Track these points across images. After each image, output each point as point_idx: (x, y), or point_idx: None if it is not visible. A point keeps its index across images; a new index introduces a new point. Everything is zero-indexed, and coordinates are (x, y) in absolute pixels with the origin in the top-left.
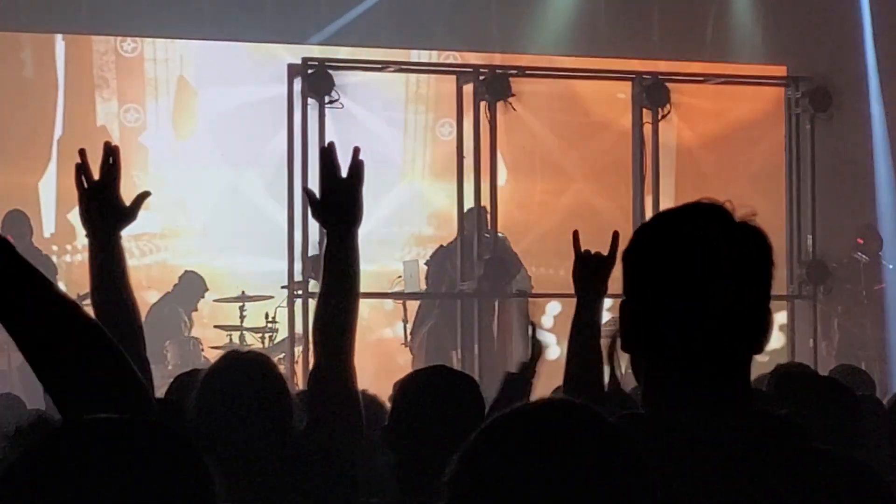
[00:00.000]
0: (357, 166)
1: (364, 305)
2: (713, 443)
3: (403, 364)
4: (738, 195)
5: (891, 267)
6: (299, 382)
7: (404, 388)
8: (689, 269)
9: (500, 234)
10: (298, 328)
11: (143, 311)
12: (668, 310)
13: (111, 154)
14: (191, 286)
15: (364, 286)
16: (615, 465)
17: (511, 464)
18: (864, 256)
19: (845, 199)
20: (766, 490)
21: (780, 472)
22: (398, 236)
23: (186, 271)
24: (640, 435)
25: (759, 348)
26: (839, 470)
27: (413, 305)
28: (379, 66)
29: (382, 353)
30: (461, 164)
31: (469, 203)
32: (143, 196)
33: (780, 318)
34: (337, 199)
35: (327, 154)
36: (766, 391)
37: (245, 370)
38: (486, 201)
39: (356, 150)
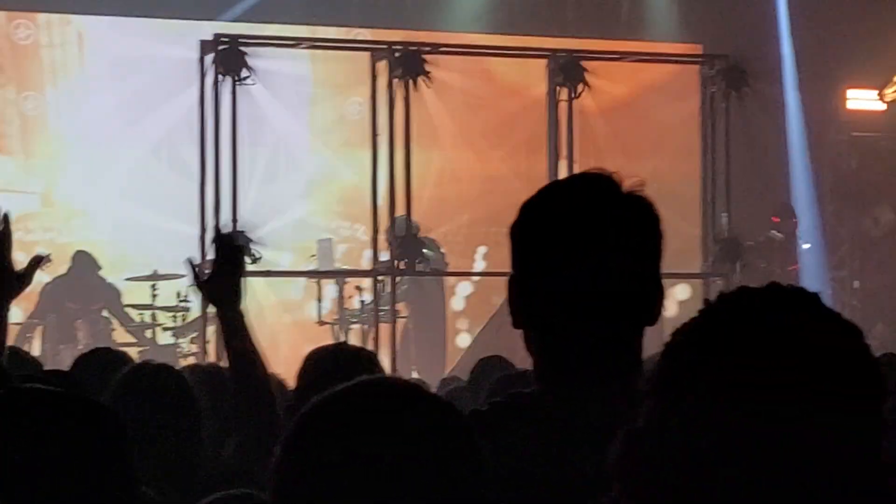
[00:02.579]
0: (234, 252)
1: (285, 284)
2: (602, 420)
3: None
4: (654, 173)
5: (806, 246)
6: (211, 358)
7: (305, 367)
8: (575, 242)
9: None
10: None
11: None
12: (556, 284)
13: (3, 221)
14: (82, 265)
15: (279, 265)
16: (438, 444)
17: (330, 448)
18: (779, 235)
19: (761, 178)
20: None
21: None
22: (310, 214)
23: (77, 251)
24: (527, 413)
25: (651, 320)
26: None
27: (326, 283)
28: (292, 42)
29: (300, 333)
30: (375, 142)
31: (382, 181)
32: (37, 260)
33: (679, 292)
34: (217, 283)
35: (220, 239)
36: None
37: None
38: (399, 179)
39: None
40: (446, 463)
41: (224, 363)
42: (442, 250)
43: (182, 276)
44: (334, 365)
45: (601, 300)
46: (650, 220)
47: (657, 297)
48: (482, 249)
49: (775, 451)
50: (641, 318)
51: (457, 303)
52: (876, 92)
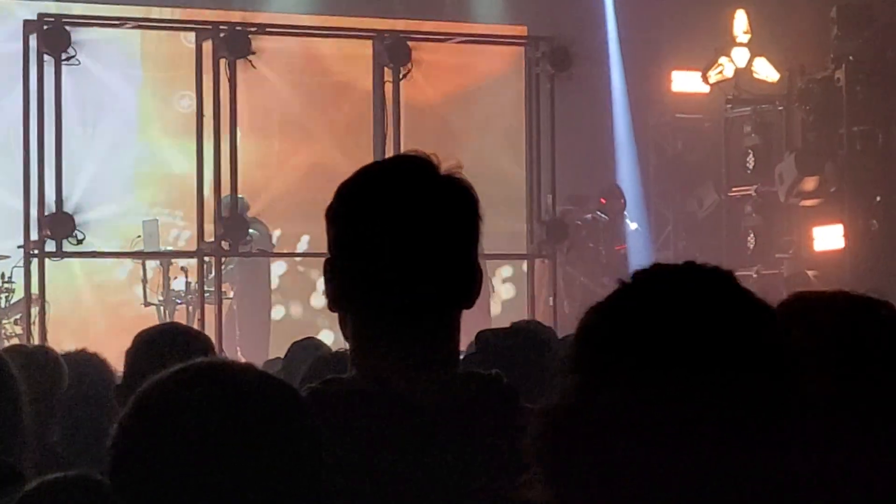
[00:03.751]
0: None
1: (111, 266)
2: (418, 406)
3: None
4: (481, 154)
5: (633, 227)
6: (35, 341)
7: (136, 347)
8: (390, 225)
9: (239, 196)
10: (35, 289)
11: None
12: (371, 267)
13: None
14: None
15: (105, 244)
16: (276, 426)
17: (171, 429)
18: (604, 216)
19: (586, 159)
20: (473, 451)
21: (487, 432)
22: (136, 196)
23: None
24: (343, 400)
25: (468, 303)
26: None
27: (151, 265)
28: (117, 22)
29: (124, 315)
30: (201, 124)
31: (208, 163)
32: None
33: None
34: None
35: None
36: (489, 348)
37: None
38: (225, 161)
39: None
40: (287, 444)
41: (52, 345)
42: (275, 232)
43: (6, 256)
44: (166, 345)
45: (416, 283)
46: (466, 202)
47: (474, 279)
48: (306, 233)
49: (695, 424)
50: (458, 301)
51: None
52: (700, 74)
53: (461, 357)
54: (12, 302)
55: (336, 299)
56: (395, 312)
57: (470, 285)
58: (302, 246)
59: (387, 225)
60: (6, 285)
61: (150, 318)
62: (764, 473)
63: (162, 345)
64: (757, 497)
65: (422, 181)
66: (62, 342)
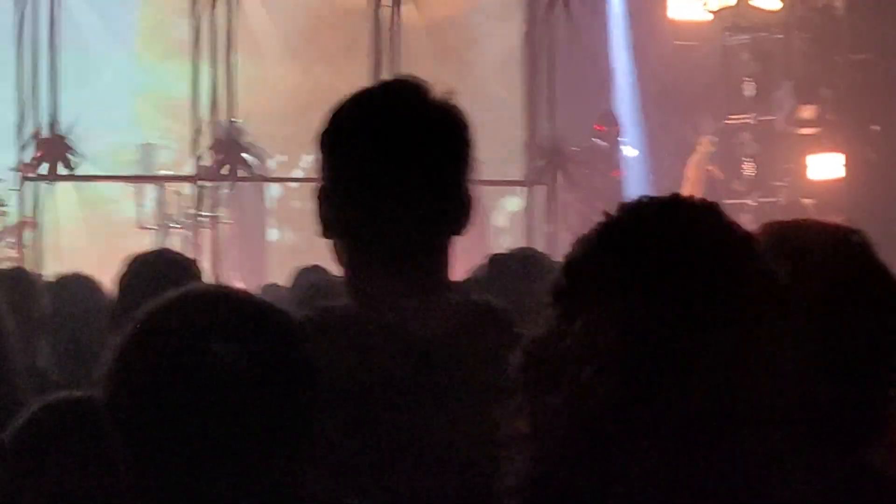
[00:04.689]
0: None
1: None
2: (410, 333)
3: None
4: (476, 82)
5: (630, 153)
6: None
7: (128, 271)
8: (381, 151)
9: (236, 121)
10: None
11: None
12: (362, 194)
13: None
14: None
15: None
16: (271, 354)
17: (163, 353)
18: (602, 142)
19: (584, 86)
20: (465, 377)
21: (479, 358)
22: (133, 120)
23: None
24: (336, 327)
25: (460, 230)
26: None
27: (147, 187)
28: None
29: (119, 237)
30: (197, 48)
31: (204, 87)
32: None
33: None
34: None
35: None
36: (480, 275)
37: None
38: (221, 85)
39: None
40: (283, 371)
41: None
42: (280, 158)
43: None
44: (157, 270)
45: (407, 210)
46: (458, 128)
47: (465, 206)
48: (306, 157)
49: (679, 355)
50: (450, 228)
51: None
52: (700, 1)
53: (470, 278)
54: (5, 227)
55: (328, 226)
56: (386, 239)
57: (462, 212)
58: (299, 172)
59: (378, 151)
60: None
61: (147, 242)
62: (742, 401)
63: (153, 269)
64: (732, 425)
65: (413, 107)
66: (57, 266)
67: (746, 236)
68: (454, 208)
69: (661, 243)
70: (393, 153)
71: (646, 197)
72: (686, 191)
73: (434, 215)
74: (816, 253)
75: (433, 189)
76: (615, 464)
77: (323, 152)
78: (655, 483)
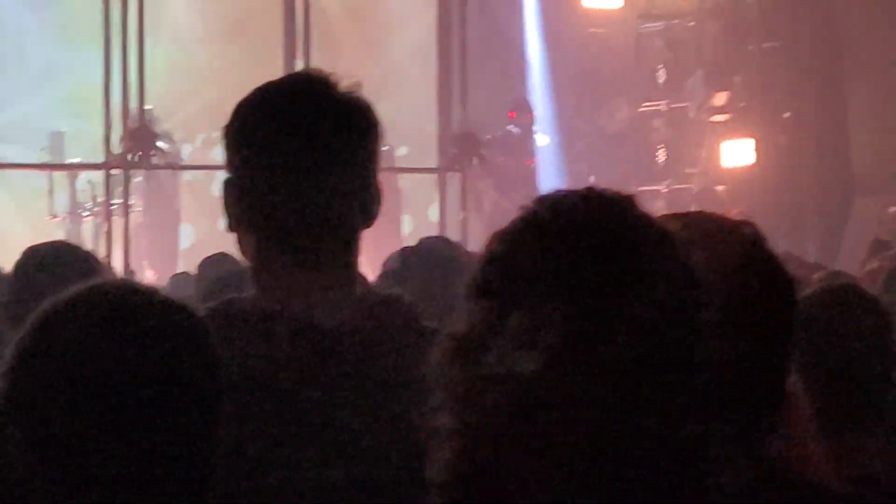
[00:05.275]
0: None
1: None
2: (316, 326)
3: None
4: (392, 70)
5: (544, 141)
6: None
7: (23, 264)
8: (287, 144)
9: (147, 108)
10: None
11: None
12: (269, 187)
13: None
14: None
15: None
16: (176, 351)
17: (64, 351)
18: (516, 129)
19: (498, 72)
20: (371, 371)
21: (386, 352)
22: (40, 109)
23: None
24: (247, 325)
25: (368, 222)
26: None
27: (59, 176)
28: None
29: (31, 227)
30: (108, 35)
31: (116, 74)
32: None
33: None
34: None
35: None
36: (397, 268)
37: None
38: (132, 71)
39: None
40: (186, 368)
41: None
42: (195, 143)
43: None
44: (54, 264)
45: (314, 203)
46: (364, 120)
47: (373, 198)
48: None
49: (599, 351)
50: (357, 221)
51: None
52: None
53: (385, 271)
54: None
55: (234, 220)
56: (293, 233)
57: (369, 205)
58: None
59: (284, 144)
60: None
61: (58, 231)
62: (659, 399)
63: (48, 262)
64: (651, 421)
65: (319, 100)
66: None
67: (663, 228)
68: (361, 201)
69: (583, 236)
70: (298, 146)
71: (561, 189)
72: None
73: (341, 208)
74: (708, 246)
75: (340, 182)
76: (552, 456)
77: (229, 146)
78: (588, 474)
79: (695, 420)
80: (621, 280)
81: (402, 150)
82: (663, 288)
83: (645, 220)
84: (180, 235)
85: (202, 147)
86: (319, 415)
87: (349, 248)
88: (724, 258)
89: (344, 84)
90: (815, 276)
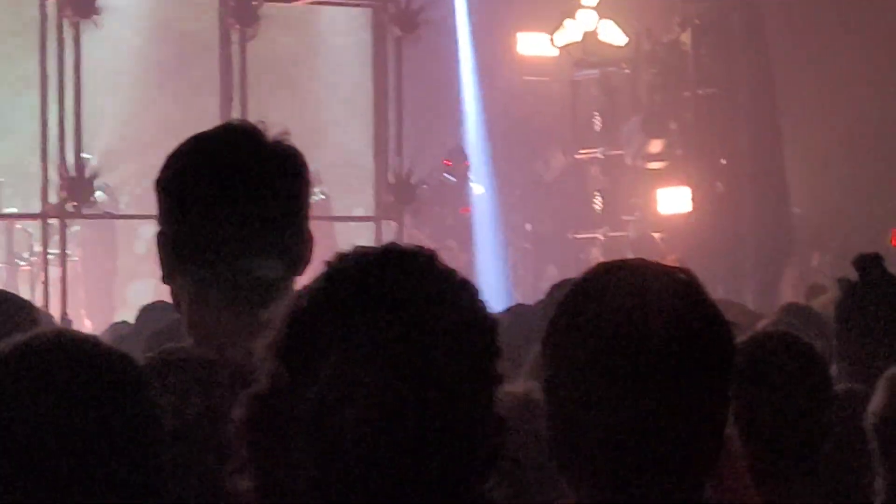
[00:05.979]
0: None
1: None
2: (252, 373)
3: None
4: (328, 118)
5: (479, 190)
6: None
7: None
8: (221, 196)
9: (85, 156)
10: None
11: None
12: (203, 239)
13: None
14: None
15: None
16: (116, 400)
17: (6, 399)
18: (451, 178)
19: (434, 121)
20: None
21: None
22: None
23: None
24: (186, 373)
25: (300, 269)
26: None
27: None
28: None
29: None
30: (45, 83)
31: (53, 120)
32: None
33: (367, 239)
34: None
35: None
36: None
37: None
38: (69, 119)
39: None
40: (125, 416)
41: None
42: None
43: None
44: None
45: (245, 252)
46: (294, 169)
47: (304, 246)
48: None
49: (407, 406)
50: (289, 269)
51: (140, 246)
52: (548, 36)
53: None
54: None
55: (168, 271)
56: (225, 282)
57: (301, 252)
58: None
59: (213, 195)
60: None
61: None
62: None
63: None
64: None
65: (248, 149)
66: None
67: (463, 282)
68: (293, 249)
69: (385, 294)
70: (229, 196)
71: (361, 247)
72: None
73: (273, 256)
74: (646, 293)
75: (271, 230)
76: None
77: (161, 196)
78: None
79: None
80: (416, 332)
81: (337, 198)
82: (458, 337)
83: (445, 275)
84: (135, 289)
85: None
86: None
87: (282, 294)
88: (661, 304)
89: (273, 133)
90: (760, 323)
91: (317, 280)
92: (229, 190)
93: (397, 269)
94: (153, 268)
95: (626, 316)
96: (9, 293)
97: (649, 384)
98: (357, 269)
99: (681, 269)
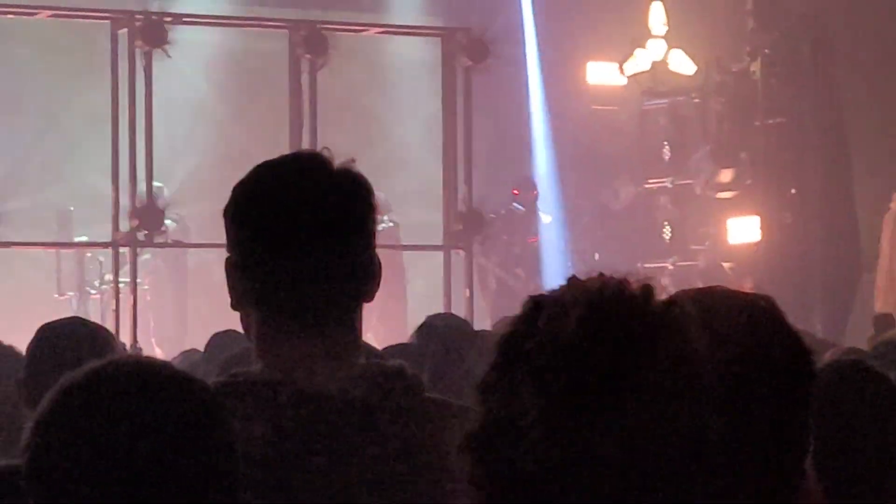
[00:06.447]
0: None
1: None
2: (319, 395)
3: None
4: (396, 146)
5: (547, 219)
6: None
7: (38, 341)
8: (288, 222)
9: (156, 185)
10: None
11: None
12: (271, 265)
13: None
14: None
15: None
16: (192, 425)
17: (84, 425)
18: (520, 207)
19: (502, 151)
20: (375, 440)
21: (390, 423)
22: (51, 186)
23: None
24: (252, 396)
25: (369, 296)
26: (447, 415)
27: (66, 255)
28: (32, 10)
29: (38, 305)
30: (116, 113)
31: (123, 153)
32: None
33: (435, 267)
34: None
35: None
36: (408, 343)
37: None
38: (141, 149)
39: None
40: (201, 441)
41: None
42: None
43: None
44: (67, 340)
45: (314, 277)
46: (360, 195)
47: (373, 273)
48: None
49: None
50: (356, 294)
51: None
52: (616, 66)
53: (397, 347)
54: None
55: (238, 298)
56: (295, 307)
57: (368, 279)
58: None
59: (280, 222)
60: None
61: (65, 309)
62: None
63: (63, 339)
64: None
65: (314, 176)
66: None
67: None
68: (361, 273)
69: (603, 332)
70: (296, 223)
71: (574, 277)
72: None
73: (341, 283)
74: (728, 320)
75: (338, 256)
76: None
77: (229, 225)
78: None
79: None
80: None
81: (405, 227)
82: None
83: (658, 308)
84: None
85: (210, 225)
86: (323, 481)
87: (350, 319)
88: (742, 331)
89: (339, 161)
90: (828, 353)
91: (523, 312)
92: (296, 216)
93: (619, 307)
94: (223, 296)
95: (708, 342)
96: (86, 320)
97: (731, 411)
98: (581, 302)
99: (761, 297)
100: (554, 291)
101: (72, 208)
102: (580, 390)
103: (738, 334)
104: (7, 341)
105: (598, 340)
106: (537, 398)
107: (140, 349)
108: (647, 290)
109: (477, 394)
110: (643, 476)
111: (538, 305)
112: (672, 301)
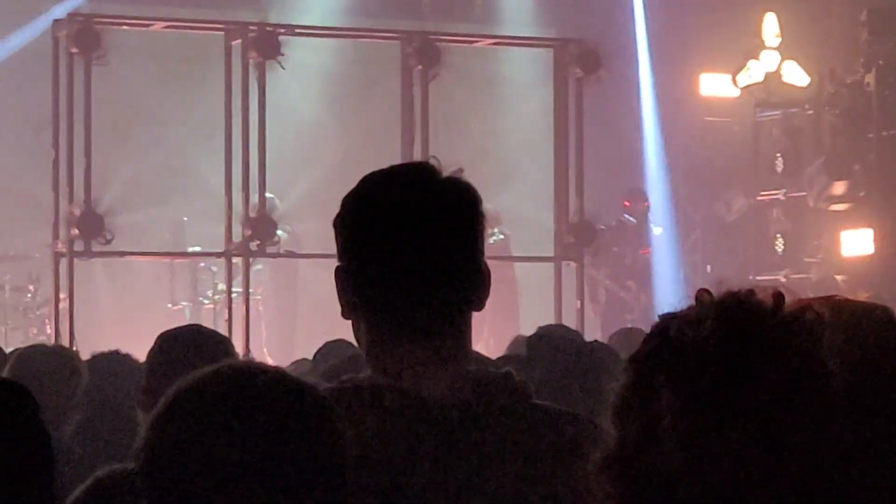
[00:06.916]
0: None
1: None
2: (427, 399)
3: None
4: (506, 157)
5: (658, 231)
6: (64, 341)
7: (157, 348)
8: (396, 231)
9: (268, 196)
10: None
11: None
12: (382, 272)
13: None
14: None
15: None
16: (304, 429)
17: (199, 429)
18: (631, 219)
19: (614, 162)
20: (482, 446)
21: (496, 428)
22: (164, 198)
23: None
24: (360, 400)
25: (478, 304)
26: (558, 422)
27: (179, 266)
28: (147, 22)
29: (152, 315)
30: (230, 124)
31: (237, 163)
32: None
33: (545, 278)
34: None
35: None
36: (520, 353)
37: None
38: (254, 160)
39: None
40: (313, 444)
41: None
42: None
43: (29, 257)
44: (186, 347)
45: (423, 285)
46: (468, 203)
47: (481, 281)
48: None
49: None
50: (465, 301)
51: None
52: (729, 77)
53: (508, 357)
54: (39, 302)
55: (349, 306)
56: (405, 315)
57: (477, 285)
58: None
59: (390, 231)
60: (32, 285)
61: (178, 319)
62: None
63: (182, 346)
64: None
65: (423, 185)
66: (92, 343)
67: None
68: (469, 281)
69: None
70: (405, 231)
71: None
72: None
73: (449, 290)
74: (852, 326)
75: (447, 264)
76: None
77: (339, 234)
78: None
79: None
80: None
81: (516, 238)
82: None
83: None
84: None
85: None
86: (429, 486)
87: (459, 326)
88: (866, 336)
89: (447, 171)
90: None
91: (652, 333)
92: (405, 224)
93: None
94: (332, 308)
95: (830, 352)
96: (205, 328)
97: (859, 414)
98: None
99: (878, 306)
100: (682, 309)
101: (185, 218)
102: (716, 390)
103: (862, 339)
104: (124, 350)
105: (732, 342)
106: (674, 401)
107: (253, 358)
108: (779, 297)
109: (612, 415)
110: (777, 476)
111: (668, 322)
112: (806, 306)
